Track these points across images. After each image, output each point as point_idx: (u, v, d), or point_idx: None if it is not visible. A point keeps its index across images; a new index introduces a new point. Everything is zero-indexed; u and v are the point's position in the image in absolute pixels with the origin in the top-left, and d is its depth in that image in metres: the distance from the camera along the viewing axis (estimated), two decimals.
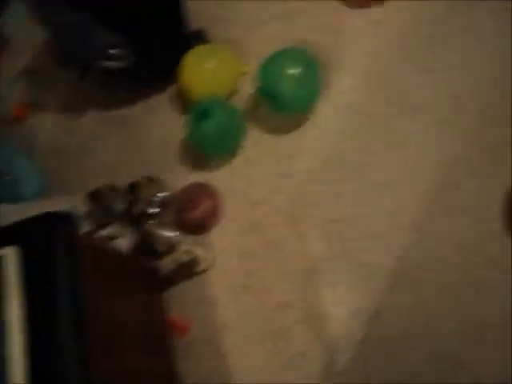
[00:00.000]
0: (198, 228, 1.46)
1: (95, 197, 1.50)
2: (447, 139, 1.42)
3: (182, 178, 1.52)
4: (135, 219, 1.47)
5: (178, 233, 1.47)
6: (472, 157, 1.39)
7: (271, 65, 1.46)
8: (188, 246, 1.44)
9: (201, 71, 1.54)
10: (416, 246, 1.35)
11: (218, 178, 1.52)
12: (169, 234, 1.46)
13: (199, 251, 1.43)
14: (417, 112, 1.47)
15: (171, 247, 1.45)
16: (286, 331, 1.34)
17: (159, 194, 1.49)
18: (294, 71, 1.44)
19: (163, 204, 1.48)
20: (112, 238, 1.44)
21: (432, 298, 1.30)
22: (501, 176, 1.34)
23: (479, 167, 1.38)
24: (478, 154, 1.39)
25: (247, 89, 1.55)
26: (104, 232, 1.45)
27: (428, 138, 1.44)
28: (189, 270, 1.43)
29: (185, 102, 1.60)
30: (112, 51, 1.50)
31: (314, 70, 1.48)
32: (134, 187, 1.51)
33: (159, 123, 1.64)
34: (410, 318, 1.30)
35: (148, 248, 1.45)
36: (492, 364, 1.23)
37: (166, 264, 1.43)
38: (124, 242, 1.44)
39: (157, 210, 1.48)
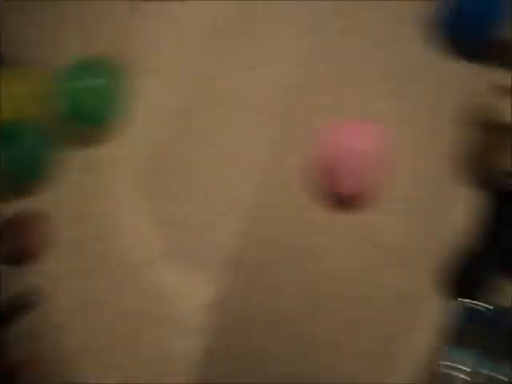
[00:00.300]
0: (25, 258, 1.40)
1: None
2: (265, 126, 1.49)
3: None
4: None
5: (3, 267, 1.41)
6: (283, 135, 1.47)
7: (68, 80, 1.43)
8: (18, 278, 1.39)
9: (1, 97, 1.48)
10: (245, 231, 1.40)
11: (38, 202, 1.45)
12: None
13: (31, 281, 1.38)
14: (234, 105, 1.52)
15: None
16: (134, 341, 1.34)
17: None
18: (91, 83, 1.43)
19: None
20: None
21: (270, 276, 1.36)
22: (303, 149, 1.43)
23: (291, 145, 1.47)
24: (288, 132, 1.48)
25: (52, 108, 1.51)
26: None
27: (248, 128, 1.50)
28: (24, 302, 1.38)
29: None
30: None
31: (115, 79, 1.47)
32: None
33: None
34: (256, 301, 1.34)
35: None
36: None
37: None
38: None
39: None
